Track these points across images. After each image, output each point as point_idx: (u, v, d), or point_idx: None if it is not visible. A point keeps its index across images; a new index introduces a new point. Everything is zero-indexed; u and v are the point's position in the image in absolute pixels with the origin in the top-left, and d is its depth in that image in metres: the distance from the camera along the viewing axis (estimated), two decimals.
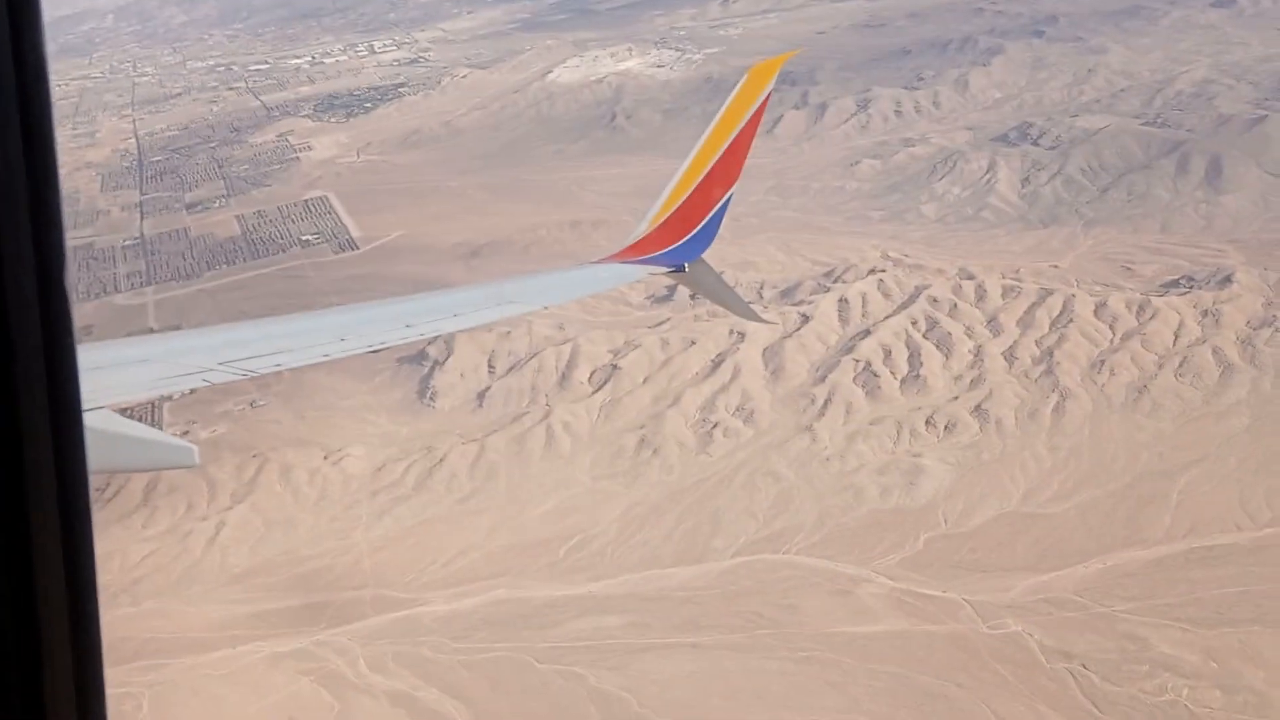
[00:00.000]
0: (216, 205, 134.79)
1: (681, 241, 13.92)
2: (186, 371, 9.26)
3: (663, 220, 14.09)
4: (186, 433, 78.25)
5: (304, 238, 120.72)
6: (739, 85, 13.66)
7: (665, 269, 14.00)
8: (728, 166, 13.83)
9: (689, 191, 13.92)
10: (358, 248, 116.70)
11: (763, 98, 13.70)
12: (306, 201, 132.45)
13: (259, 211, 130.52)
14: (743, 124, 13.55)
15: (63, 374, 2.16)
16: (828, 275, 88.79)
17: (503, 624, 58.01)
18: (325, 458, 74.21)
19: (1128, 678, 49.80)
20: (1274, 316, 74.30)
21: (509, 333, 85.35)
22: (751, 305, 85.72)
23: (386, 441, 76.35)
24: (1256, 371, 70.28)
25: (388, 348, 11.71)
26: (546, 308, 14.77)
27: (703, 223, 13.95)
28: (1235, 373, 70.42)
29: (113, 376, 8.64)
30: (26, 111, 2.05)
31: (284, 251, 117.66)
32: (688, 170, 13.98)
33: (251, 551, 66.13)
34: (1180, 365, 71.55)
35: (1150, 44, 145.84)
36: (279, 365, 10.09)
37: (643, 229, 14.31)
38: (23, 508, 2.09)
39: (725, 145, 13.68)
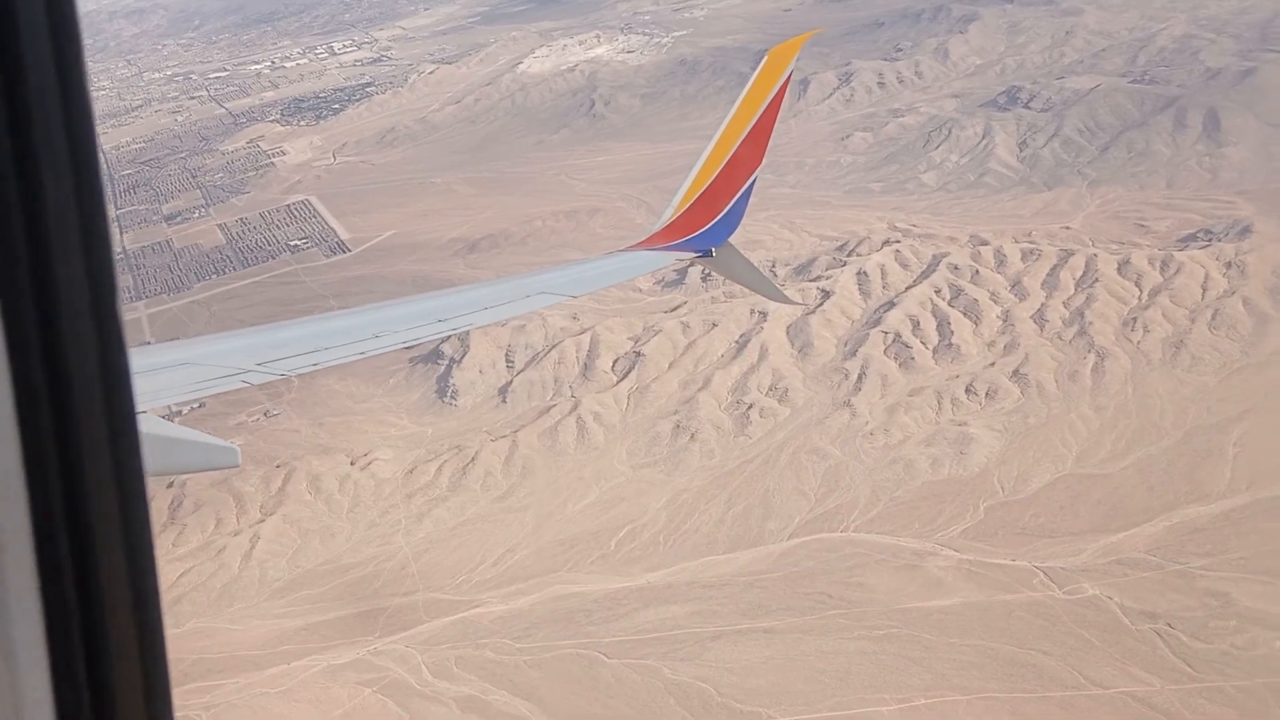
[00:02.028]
0: (196, 215, 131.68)
1: (708, 226, 13.78)
2: (225, 373, 9.25)
3: (688, 206, 13.89)
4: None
5: (292, 243, 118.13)
6: (759, 67, 13.41)
7: (693, 254, 13.87)
8: (752, 149, 13.66)
9: (714, 176, 13.70)
10: (350, 250, 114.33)
11: (784, 79, 13.42)
12: (289, 206, 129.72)
13: (241, 219, 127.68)
14: (765, 106, 13.36)
15: (117, 380, 2.21)
16: (841, 249, 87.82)
17: (564, 620, 56.54)
18: (353, 463, 72.27)
19: (1216, 634, 49.17)
20: None
21: (524, 326, 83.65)
22: None
23: (413, 443, 74.52)
24: None
25: (422, 343, 12.12)
26: (576, 297, 14.09)
27: (728, 206, 13.79)
28: (1270, 322, 70.17)
29: (153, 380, 8.66)
30: (69, 110, 2.09)
31: (274, 258, 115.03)
32: (711, 155, 13.76)
33: (290, 563, 64.17)
34: (1213, 318, 71.19)
35: (1122, 3, 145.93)
36: (316, 364, 9.99)
37: (668, 215, 14.12)
38: (85, 515, 2.13)
39: (748, 128, 13.47)
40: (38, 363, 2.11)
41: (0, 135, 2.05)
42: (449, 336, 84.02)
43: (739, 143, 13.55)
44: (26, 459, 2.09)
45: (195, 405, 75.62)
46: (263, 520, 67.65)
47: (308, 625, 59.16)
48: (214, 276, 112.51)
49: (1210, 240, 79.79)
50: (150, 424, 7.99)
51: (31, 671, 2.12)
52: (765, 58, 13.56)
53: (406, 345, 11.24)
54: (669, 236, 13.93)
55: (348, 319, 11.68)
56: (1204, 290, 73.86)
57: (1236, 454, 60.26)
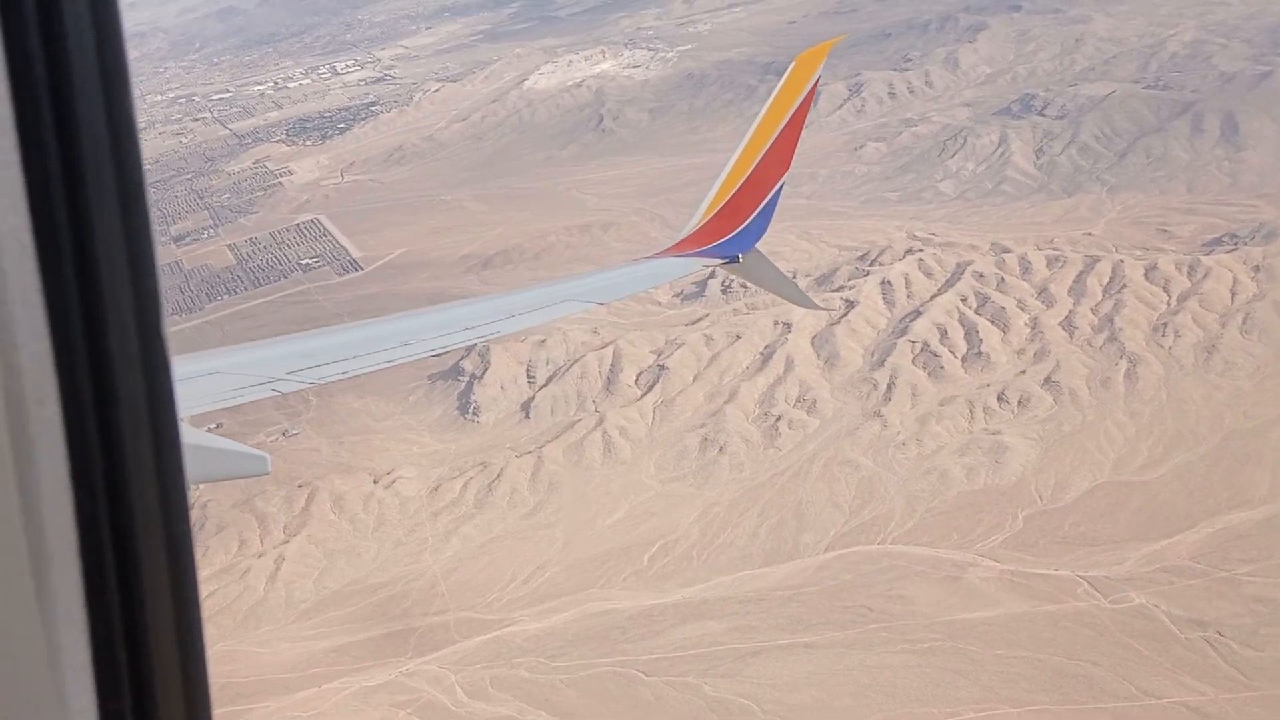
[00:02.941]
0: (205, 236, 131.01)
1: (735, 232, 13.74)
2: (256, 382, 9.32)
3: (715, 212, 13.82)
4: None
5: (304, 262, 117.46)
6: (786, 74, 13.32)
7: (720, 261, 13.78)
8: (778, 156, 13.58)
9: (740, 182, 13.65)
10: (362, 268, 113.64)
11: (810, 85, 13.37)
12: (299, 225, 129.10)
13: (251, 239, 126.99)
14: (791, 112, 13.28)
15: (161, 393, 2.27)
16: (862, 259, 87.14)
17: (599, 638, 55.60)
18: (375, 482, 71.41)
19: (1267, 641, 48.33)
20: None
21: (544, 341, 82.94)
22: None
23: (435, 461, 73.66)
24: None
25: (450, 350, 11.81)
26: (604, 304, 14.11)
27: (755, 213, 13.74)
28: None
29: (183, 388, 8.37)
30: (111, 111, 2.16)
31: (285, 277, 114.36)
32: (738, 161, 13.66)
33: (317, 584, 63.25)
34: (1244, 322, 70.49)
35: (1130, 10, 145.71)
36: (345, 373, 10.00)
37: (695, 221, 14.04)
38: (129, 526, 2.20)
39: (775, 135, 13.40)
40: (85, 377, 2.13)
41: (48, 151, 2.07)
42: (469, 352, 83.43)
43: (765, 149, 13.47)
44: (74, 470, 2.11)
45: (213, 426, 74.92)
46: (287, 541, 66.76)
47: (337, 647, 58.22)
48: (226, 296, 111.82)
49: (1236, 244, 79.15)
50: (185, 433, 7.63)
51: (76, 680, 2.14)
52: (793, 63, 13.38)
53: (435, 353, 11.17)
54: (695, 243, 13.83)
55: (375, 328, 11.69)
56: (1233, 294, 73.16)
57: (1276, 459, 59.47)
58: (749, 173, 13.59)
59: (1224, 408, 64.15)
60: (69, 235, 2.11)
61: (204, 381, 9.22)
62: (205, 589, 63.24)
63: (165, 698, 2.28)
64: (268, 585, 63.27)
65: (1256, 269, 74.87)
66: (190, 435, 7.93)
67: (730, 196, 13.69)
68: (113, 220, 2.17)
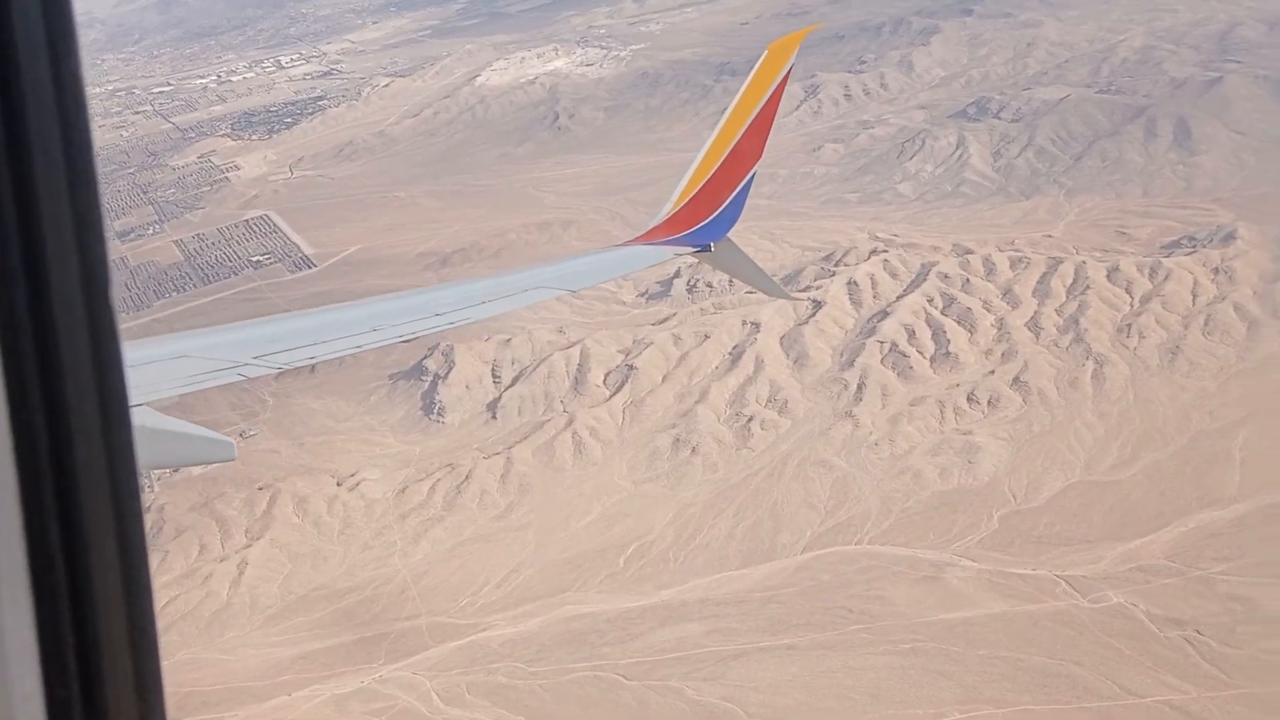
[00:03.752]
0: (150, 232, 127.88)
1: (706, 221, 13.68)
2: (221, 366, 9.16)
3: (687, 200, 13.74)
4: (176, 470, 73.04)
5: (254, 258, 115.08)
6: (758, 63, 13.26)
7: (691, 249, 13.72)
8: (751, 145, 13.55)
9: (712, 171, 13.57)
10: (315, 265, 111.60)
11: (783, 75, 13.32)
12: (247, 221, 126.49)
13: (198, 235, 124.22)
14: (764, 101, 13.27)
15: (110, 371, 2.23)
16: (827, 259, 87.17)
17: (576, 642, 54.84)
18: (339, 484, 69.96)
19: (1244, 639, 48.86)
20: None
21: (509, 340, 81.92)
22: (754, 295, 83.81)
23: (401, 462, 72.34)
24: None
25: (419, 337, 11.29)
26: (575, 291, 13.74)
27: (727, 201, 13.69)
28: (1261, 327, 70.59)
29: (147, 372, 8.59)
30: (64, 116, 2.13)
31: (236, 274, 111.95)
32: (710, 150, 13.59)
33: (282, 589, 61.74)
34: (1206, 323, 71.49)
35: (1079, 16, 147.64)
36: (313, 358, 9.94)
37: (667, 210, 13.93)
38: (77, 507, 2.16)
39: (748, 123, 13.35)
40: (30, 353, 2.10)
41: None
42: (432, 351, 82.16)
43: (738, 137, 13.37)
44: (18, 450, 2.08)
45: None
46: (249, 545, 65.13)
47: (306, 653, 56.84)
48: (175, 294, 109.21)
49: (1195, 247, 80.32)
50: (145, 416, 7.90)
51: (21, 663, 2.12)
52: (765, 52, 13.35)
53: (404, 339, 10.84)
54: (667, 231, 13.69)
55: (343, 313, 11.53)
56: (1194, 296, 74.21)
57: (1243, 458, 60.28)
58: (721, 161, 13.48)
59: (1190, 408, 64.95)
60: (13, 209, 2.05)
61: (169, 365, 9.02)
62: (166, 595, 61.45)
63: (114, 682, 2.21)
64: (231, 590, 61.64)
65: (1216, 271, 76.00)
66: (153, 419, 7.93)
67: (702, 185, 13.56)
68: (59, 194, 2.11)
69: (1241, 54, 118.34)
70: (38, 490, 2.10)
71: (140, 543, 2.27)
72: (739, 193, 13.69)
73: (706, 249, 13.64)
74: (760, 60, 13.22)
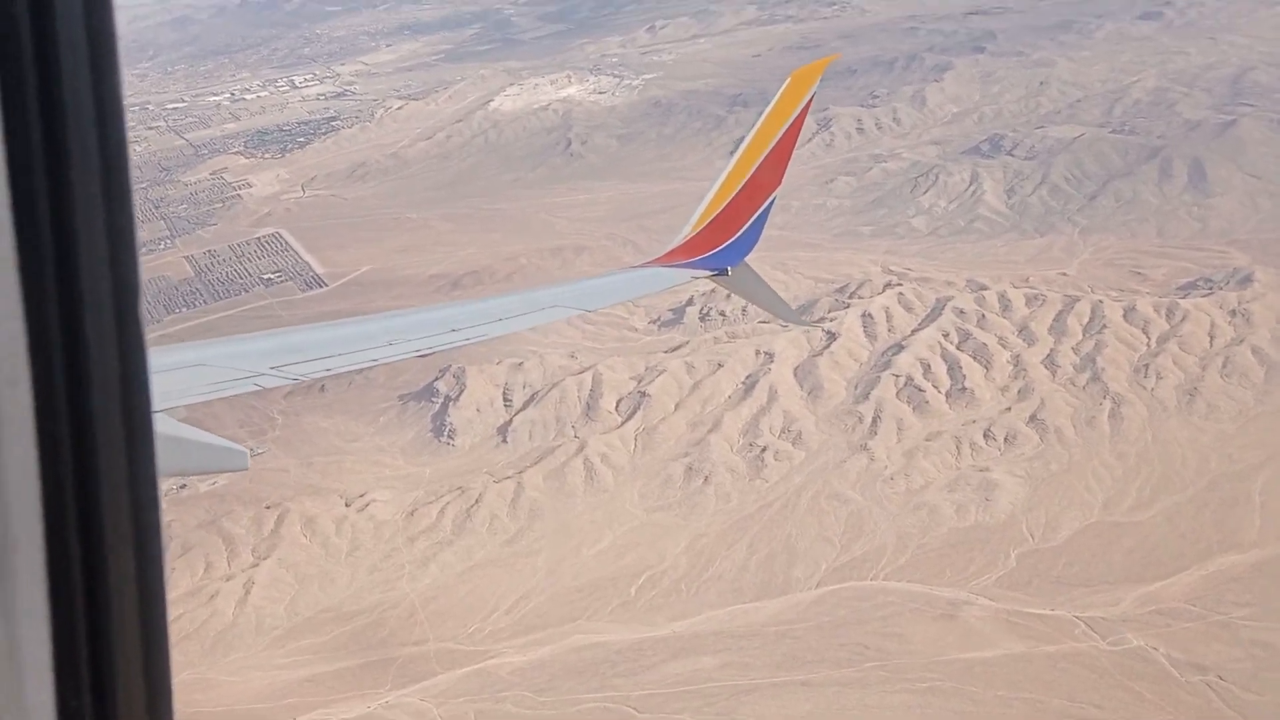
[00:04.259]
0: (161, 247, 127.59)
1: (724, 245, 13.77)
2: (239, 376, 9.21)
3: (705, 224, 13.82)
4: (184, 486, 72.52)
5: (265, 276, 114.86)
6: (781, 90, 13.49)
7: (708, 273, 13.82)
8: (771, 170, 13.70)
9: (732, 195, 13.70)
10: (326, 284, 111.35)
11: (805, 102, 13.48)
12: (259, 239, 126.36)
13: (209, 251, 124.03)
14: (786, 128, 13.43)
15: (135, 386, 2.26)
16: (841, 291, 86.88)
17: (588, 672, 54.12)
18: (348, 505, 69.34)
19: (1268, 686, 48.17)
20: None
21: (521, 364, 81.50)
22: (768, 325, 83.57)
23: (410, 484, 71.76)
24: None
25: (435, 352, 11.33)
26: (592, 311, 13.54)
27: (746, 226, 13.81)
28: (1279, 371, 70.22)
29: (165, 380, 8.61)
30: (101, 109, 2.15)
31: (247, 291, 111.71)
32: (730, 174, 13.76)
33: (289, 610, 61.03)
34: (1224, 366, 71.09)
35: (1091, 56, 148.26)
36: (329, 369, 9.95)
37: (686, 233, 14.06)
38: (97, 517, 2.18)
39: (768, 149, 13.52)
40: (59, 363, 2.12)
41: (32, 132, 2.06)
42: (443, 374, 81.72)
43: (759, 163, 13.50)
44: (42, 458, 2.10)
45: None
46: (256, 564, 64.45)
47: (312, 676, 56.08)
48: (184, 310, 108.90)
49: (1212, 289, 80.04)
50: (161, 423, 7.84)
51: (35, 673, 2.14)
52: (789, 79, 13.53)
53: (421, 354, 10.95)
54: (685, 254, 13.76)
55: (361, 326, 11.57)
56: (1211, 338, 73.84)
57: (1263, 502, 59.75)
58: (741, 186, 13.58)
59: (1209, 450, 64.45)
60: (49, 218, 2.06)
61: (187, 373, 9.04)
62: (171, 612, 60.64)
63: (126, 695, 2.22)
64: (237, 610, 60.93)
65: (1233, 313, 75.68)
66: (169, 427, 7.99)
67: (722, 209, 13.65)
68: (94, 204, 2.12)
69: (1255, 98, 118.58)
70: (60, 501, 2.08)
71: (158, 556, 2.26)
72: (758, 218, 13.78)
73: (724, 273, 13.70)
74: (783, 87, 13.38)
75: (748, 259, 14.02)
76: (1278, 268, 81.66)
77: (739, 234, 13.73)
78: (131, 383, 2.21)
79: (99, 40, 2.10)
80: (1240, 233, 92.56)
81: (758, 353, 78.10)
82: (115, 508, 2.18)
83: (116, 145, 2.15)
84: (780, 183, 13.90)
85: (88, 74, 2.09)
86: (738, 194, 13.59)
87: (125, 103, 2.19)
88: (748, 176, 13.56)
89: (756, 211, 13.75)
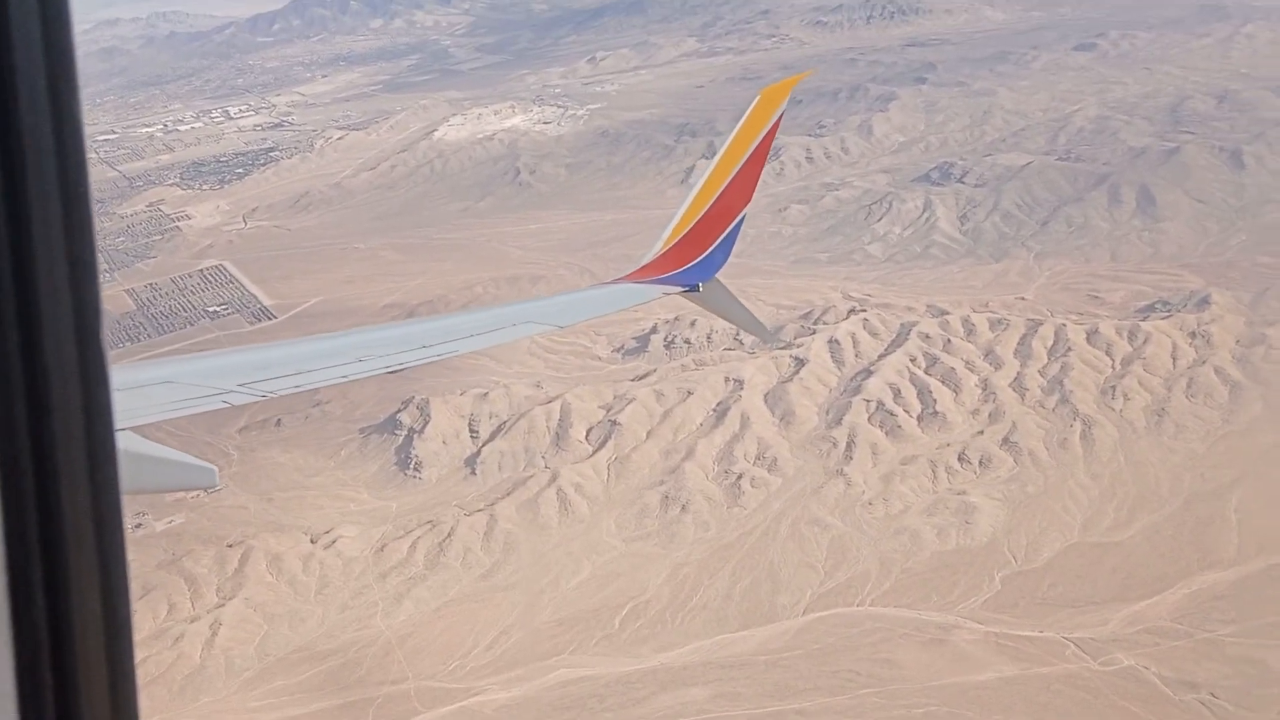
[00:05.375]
0: (101, 280, 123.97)
1: (695, 261, 13.77)
2: (207, 393, 9.06)
3: (676, 241, 13.84)
4: (139, 525, 70.00)
5: (210, 309, 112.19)
6: (750, 108, 13.51)
7: (679, 289, 13.79)
8: (741, 188, 13.74)
9: (702, 212, 13.72)
10: (275, 316, 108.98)
11: (774, 120, 13.55)
12: (202, 271, 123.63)
13: (150, 284, 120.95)
14: (755, 145, 13.49)
15: (97, 397, 2.24)
16: (806, 317, 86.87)
17: (575, 707, 52.78)
18: (314, 541, 67.26)
19: (1261, 702, 48.36)
20: (1263, 335, 75.95)
21: (486, 394, 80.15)
22: (734, 352, 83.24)
23: (377, 519, 69.88)
24: (1263, 388, 71.37)
25: (406, 368, 10.97)
26: (563, 327, 13.69)
27: (716, 243, 13.84)
28: (1243, 390, 71.31)
29: (133, 398, 8.53)
30: (60, 129, 2.15)
31: (191, 324, 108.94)
32: (701, 191, 13.77)
33: (259, 651, 58.82)
34: (1188, 386, 72.07)
35: (1031, 86, 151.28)
36: (299, 386, 9.76)
37: (656, 249, 14.03)
38: (59, 527, 2.15)
39: (738, 166, 13.56)
40: (18, 381, 2.09)
41: None
42: (406, 405, 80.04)
43: (729, 180, 13.51)
44: (5, 481, 2.08)
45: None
46: (222, 604, 62.11)
47: (288, 718, 53.99)
48: (128, 344, 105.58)
49: (1170, 311, 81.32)
50: (130, 441, 7.91)
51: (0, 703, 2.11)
52: (758, 97, 13.55)
53: (391, 370, 10.63)
54: (656, 270, 13.71)
55: (330, 342, 11.45)
56: (1174, 360, 74.86)
57: (1239, 520, 60.36)
58: (712, 203, 13.57)
59: (1181, 470, 65.09)
60: (6, 236, 2.03)
61: (154, 390, 8.91)
62: (136, 656, 58.17)
63: (91, 707, 2.18)
64: (204, 652, 58.58)
65: (1193, 335, 76.86)
66: (135, 444, 7.91)
67: (692, 226, 13.65)
68: (54, 224, 2.09)
69: (1194, 125, 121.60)
70: (21, 512, 2.02)
71: (122, 575, 2.18)
72: (728, 234, 13.77)
73: (695, 289, 13.65)
74: (752, 105, 13.38)
75: (719, 275, 13.99)
76: (1232, 290, 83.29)
77: (710, 250, 13.73)
78: (93, 403, 2.12)
79: (57, 60, 2.05)
80: (1191, 256, 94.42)
81: (727, 380, 77.60)
82: (78, 526, 2.08)
83: (76, 170, 2.08)
84: (750, 199, 13.91)
85: (45, 92, 2.03)
86: (708, 211, 13.58)
87: (86, 130, 2.13)
88: (718, 193, 13.56)
89: (727, 228, 13.75)
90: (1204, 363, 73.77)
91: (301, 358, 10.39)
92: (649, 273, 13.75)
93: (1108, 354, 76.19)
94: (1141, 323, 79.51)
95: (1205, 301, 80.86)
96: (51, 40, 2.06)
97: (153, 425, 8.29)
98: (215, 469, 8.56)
